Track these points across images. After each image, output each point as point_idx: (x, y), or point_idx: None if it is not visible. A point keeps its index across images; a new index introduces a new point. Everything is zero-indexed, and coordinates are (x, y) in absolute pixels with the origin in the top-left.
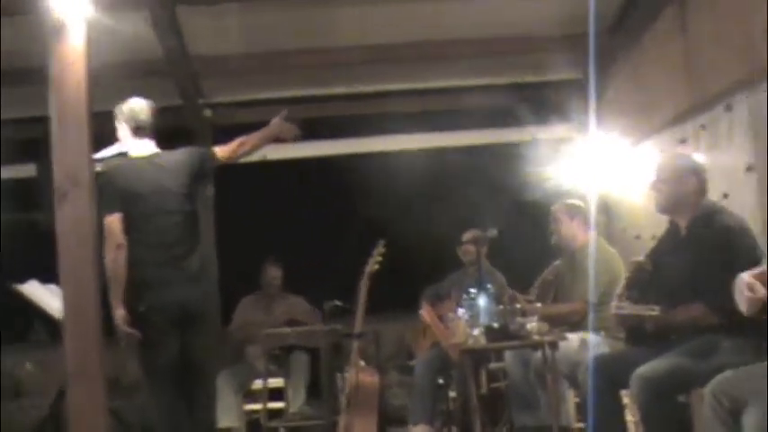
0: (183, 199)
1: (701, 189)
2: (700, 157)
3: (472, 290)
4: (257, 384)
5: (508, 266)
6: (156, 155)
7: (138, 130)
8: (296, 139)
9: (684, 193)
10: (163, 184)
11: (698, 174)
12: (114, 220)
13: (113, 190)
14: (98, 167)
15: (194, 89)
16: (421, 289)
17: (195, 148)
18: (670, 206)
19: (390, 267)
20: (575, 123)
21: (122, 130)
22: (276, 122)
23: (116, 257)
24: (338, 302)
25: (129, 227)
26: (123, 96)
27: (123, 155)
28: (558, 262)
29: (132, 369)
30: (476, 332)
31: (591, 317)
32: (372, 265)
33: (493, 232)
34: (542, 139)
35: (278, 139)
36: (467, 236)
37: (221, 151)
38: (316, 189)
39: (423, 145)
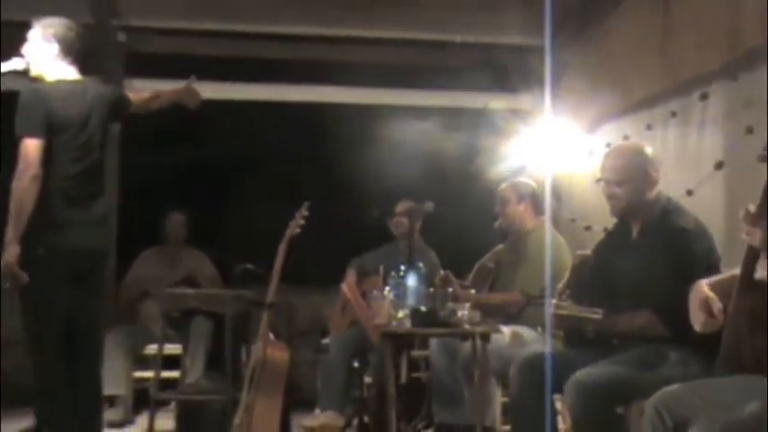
0: (102, 136)
1: (656, 187)
2: (650, 151)
3: (401, 267)
4: (151, 349)
5: (444, 246)
6: (80, 82)
7: (67, 53)
8: (197, 108)
9: (639, 195)
10: (89, 115)
11: (654, 171)
12: (34, 146)
13: (39, 113)
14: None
15: (108, 8)
16: (344, 261)
17: (116, 88)
18: (626, 211)
19: (313, 234)
20: (534, 95)
21: (42, 47)
22: (185, 89)
23: (28, 188)
24: (250, 266)
25: (46, 157)
26: (27, 6)
27: (27, 73)
28: (500, 247)
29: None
30: (400, 314)
31: (529, 310)
32: (294, 228)
33: (429, 206)
34: (496, 109)
35: (181, 105)
36: (400, 207)
37: (135, 99)
38: (232, 139)
39: (360, 100)
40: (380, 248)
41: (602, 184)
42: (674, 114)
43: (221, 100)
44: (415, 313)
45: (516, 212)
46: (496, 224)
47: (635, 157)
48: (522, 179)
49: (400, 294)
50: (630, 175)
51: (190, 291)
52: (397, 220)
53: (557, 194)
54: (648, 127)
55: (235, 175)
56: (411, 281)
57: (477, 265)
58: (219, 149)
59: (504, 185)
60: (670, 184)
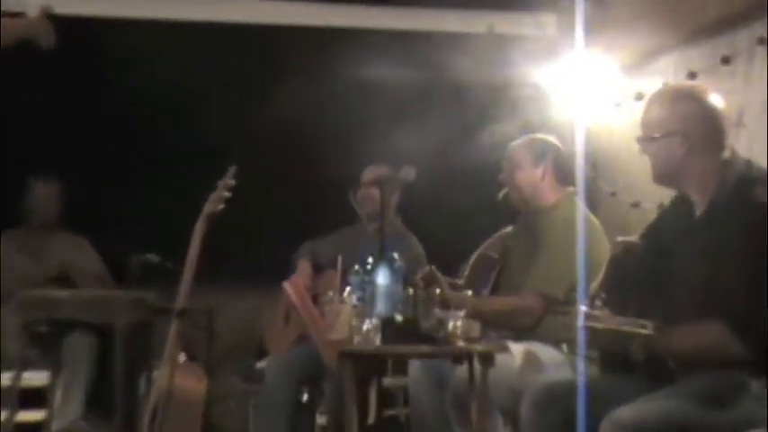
0: None
1: (724, 147)
2: (714, 96)
3: (368, 259)
4: (3, 379)
5: (430, 232)
6: None
7: None
8: (50, 48)
9: (696, 156)
10: None
11: (720, 123)
12: None
13: None
14: None
15: None
16: (289, 250)
17: None
18: (668, 175)
19: (245, 213)
20: (560, 16)
21: None
22: (35, 20)
23: None
24: (153, 257)
25: None
26: None
27: None
28: (507, 230)
29: None
30: (367, 326)
31: (548, 321)
32: (215, 203)
33: (409, 174)
34: (505, 34)
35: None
36: (368, 175)
37: None
38: (131, 77)
39: (319, 21)
40: (340, 232)
41: (640, 142)
42: (762, 41)
43: (110, 19)
44: (387, 324)
45: (531, 180)
46: (501, 196)
47: (686, 103)
48: (541, 135)
49: (366, 298)
50: (675, 128)
51: (63, 293)
52: (364, 192)
53: (590, 157)
54: (725, 60)
55: (135, 130)
56: (382, 279)
57: (474, 256)
58: (111, 92)
59: (515, 143)
60: (756, 141)
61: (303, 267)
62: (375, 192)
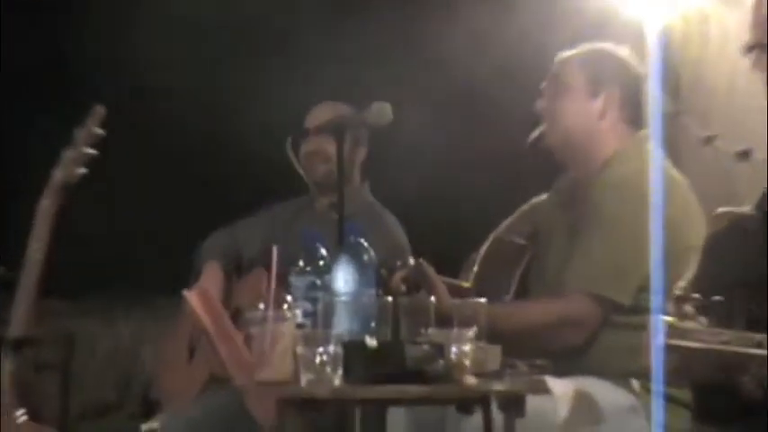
0: None
1: None
2: None
3: (321, 251)
4: None
5: (419, 209)
6: None
7: None
8: None
9: None
10: None
11: None
12: None
13: None
14: None
15: None
16: (193, 242)
17: None
18: None
19: (116, 190)
20: None
21: None
22: None
23: None
24: None
25: None
26: None
27: None
28: (539, 200)
29: None
30: (321, 356)
31: (607, 338)
32: (71, 165)
33: (382, 113)
34: None
35: None
36: (316, 117)
37: None
38: None
39: None
40: (271, 210)
41: (752, 54)
42: None
43: None
44: (353, 353)
45: (584, 117)
46: (533, 139)
47: None
48: (601, 46)
49: (319, 312)
50: None
51: None
52: (309, 147)
53: (673, 84)
54: None
55: None
56: (343, 281)
57: (487, 244)
58: None
59: (564, 54)
60: None
61: (212, 269)
62: (327, 144)
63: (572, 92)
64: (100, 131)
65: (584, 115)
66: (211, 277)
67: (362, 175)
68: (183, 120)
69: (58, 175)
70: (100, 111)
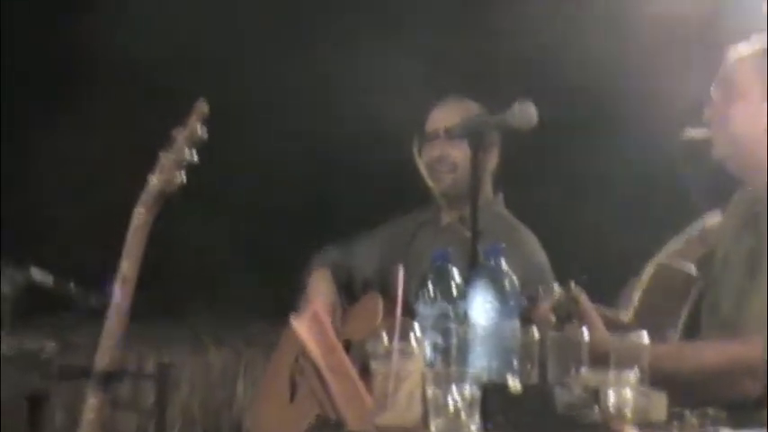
0: None
1: None
2: None
3: (454, 274)
4: None
5: (565, 225)
6: None
7: None
8: None
9: None
10: None
11: None
12: None
13: None
14: None
15: None
16: (293, 266)
17: None
18: None
19: (213, 205)
20: None
21: None
22: None
23: None
24: (42, 274)
25: None
26: None
27: None
28: (711, 222)
29: None
30: (454, 399)
31: None
32: (171, 171)
33: (526, 115)
34: None
35: None
36: (444, 116)
37: None
38: None
39: None
40: (392, 227)
41: None
42: None
43: None
44: (493, 396)
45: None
46: (686, 137)
47: None
48: None
49: (452, 346)
50: None
51: None
52: (435, 152)
53: None
54: None
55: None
56: (480, 310)
57: (649, 271)
58: None
59: (740, 50)
60: None
61: (324, 289)
62: (453, 149)
63: (745, 95)
64: (203, 132)
65: (757, 122)
66: (321, 298)
67: (495, 186)
68: (283, 124)
69: (155, 180)
70: (202, 108)
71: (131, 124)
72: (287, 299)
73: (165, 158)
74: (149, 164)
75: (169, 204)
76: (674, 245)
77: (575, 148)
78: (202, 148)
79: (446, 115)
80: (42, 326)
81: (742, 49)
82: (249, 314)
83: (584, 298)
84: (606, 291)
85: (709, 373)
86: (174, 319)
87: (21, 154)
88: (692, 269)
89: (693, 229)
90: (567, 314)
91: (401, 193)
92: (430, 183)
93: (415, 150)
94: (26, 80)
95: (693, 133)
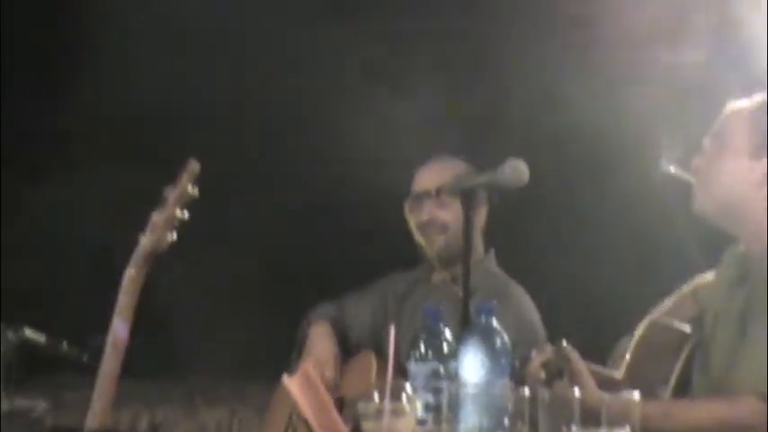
0: None
1: None
2: None
3: (444, 332)
4: None
5: (555, 283)
6: None
7: None
8: None
9: None
10: None
11: None
12: None
13: None
14: None
15: None
16: (287, 323)
17: None
18: None
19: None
20: None
21: None
22: None
23: None
24: (35, 333)
25: None
26: None
27: None
28: (703, 279)
29: None
30: None
31: None
32: (162, 230)
33: (518, 173)
34: None
35: None
36: (431, 176)
37: None
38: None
39: None
40: (385, 283)
41: None
42: None
43: None
44: None
45: (741, 180)
46: (695, 207)
47: None
48: None
49: (445, 405)
50: None
51: None
52: (424, 214)
53: None
54: None
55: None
56: (472, 368)
57: (642, 328)
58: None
59: (732, 108)
60: None
61: (320, 344)
62: (442, 210)
63: (737, 150)
64: (194, 191)
65: (746, 178)
66: (317, 354)
67: (484, 244)
68: (275, 181)
69: (146, 240)
70: (194, 166)
71: (122, 183)
72: (282, 357)
73: (157, 217)
74: (139, 222)
75: (162, 262)
76: (668, 303)
77: (566, 203)
78: (197, 205)
79: (434, 175)
80: (34, 385)
81: (739, 105)
82: (243, 372)
83: (575, 356)
84: (598, 348)
85: (701, 431)
86: (167, 376)
87: (12, 213)
88: (684, 327)
89: (687, 287)
90: (559, 372)
91: (394, 252)
92: (422, 243)
93: (408, 213)
94: (19, 137)
95: (671, 169)
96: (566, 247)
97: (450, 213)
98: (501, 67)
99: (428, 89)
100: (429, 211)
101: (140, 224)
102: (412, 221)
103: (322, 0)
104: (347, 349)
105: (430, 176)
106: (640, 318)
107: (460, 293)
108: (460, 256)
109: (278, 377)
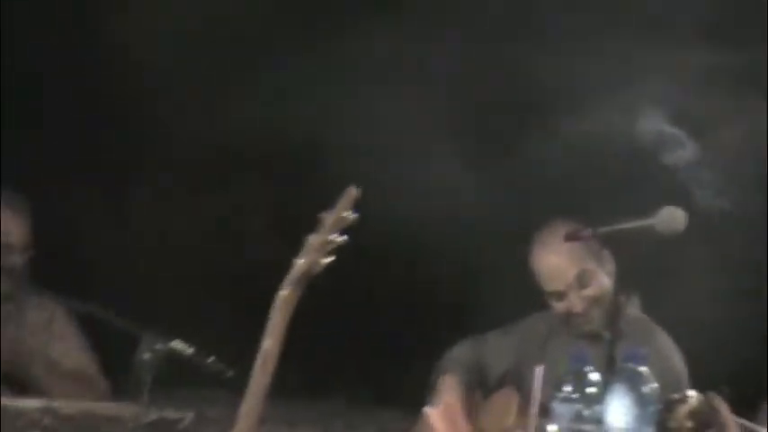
0: None
1: None
2: None
3: (590, 375)
4: None
5: (700, 328)
6: None
7: None
8: None
9: None
10: None
11: None
12: None
13: None
14: None
15: None
16: (429, 347)
17: None
18: None
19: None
20: None
21: None
22: None
23: None
24: (180, 344)
25: None
26: None
27: None
28: None
29: None
30: None
31: None
32: (318, 251)
33: (675, 220)
34: None
35: None
36: (558, 259)
37: None
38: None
39: None
40: (525, 324)
41: None
42: None
43: None
44: None
45: None
46: None
47: None
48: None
49: None
50: None
51: (17, 403)
52: (570, 302)
53: None
54: None
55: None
56: (618, 415)
57: None
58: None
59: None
60: None
61: (450, 383)
62: (589, 291)
63: None
64: (352, 216)
65: None
66: (448, 393)
67: (624, 289)
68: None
69: (302, 263)
70: (353, 193)
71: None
72: (420, 388)
73: (313, 241)
74: (293, 245)
75: (313, 284)
76: None
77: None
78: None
79: (562, 261)
80: (179, 397)
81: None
82: (383, 401)
83: (724, 407)
84: (746, 401)
85: None
86: (306, 401)
87: (170, 238)
88: None
89: None
90: (706, 423)
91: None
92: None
93: (548, 299)
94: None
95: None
96: (713, 291)
97: (593, 289)
98: None
99: None
100: (577, 303)
101: (289, 246)
102: (558, 308)
103: None
104: (487, 387)
105: (558, 264)
106: None
107: (607, 336)
108: (613, 312)
109: (417, 408)
